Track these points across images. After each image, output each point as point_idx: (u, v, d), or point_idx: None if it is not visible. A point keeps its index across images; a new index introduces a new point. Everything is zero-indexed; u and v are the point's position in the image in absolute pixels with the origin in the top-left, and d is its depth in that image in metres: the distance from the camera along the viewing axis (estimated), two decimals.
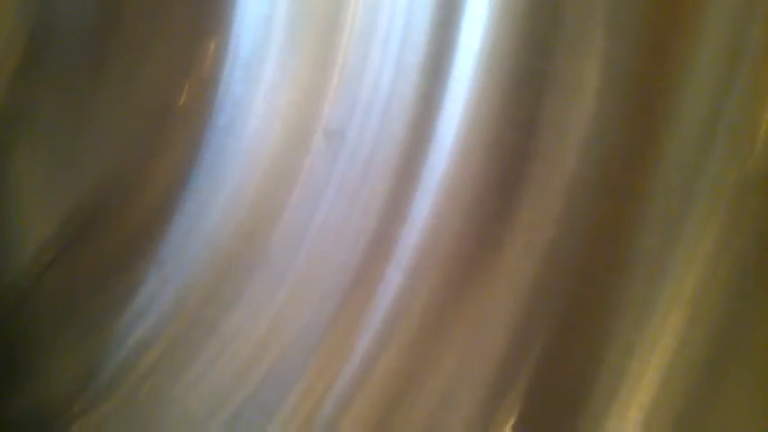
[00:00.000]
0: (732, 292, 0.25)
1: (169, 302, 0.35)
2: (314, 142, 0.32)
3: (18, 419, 0.35)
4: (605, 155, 0.26)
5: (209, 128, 0.34)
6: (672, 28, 0.24)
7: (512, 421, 0.28)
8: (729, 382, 0.25)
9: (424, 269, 0.29)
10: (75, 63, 0.35)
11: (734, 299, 0.25)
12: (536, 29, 0.25)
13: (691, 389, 0.25)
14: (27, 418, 0.35)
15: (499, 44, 0.25)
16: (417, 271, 0.29)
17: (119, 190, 0.36)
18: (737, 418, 0.26)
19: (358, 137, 0.31)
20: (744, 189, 0.24)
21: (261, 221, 0.33)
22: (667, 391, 0.25)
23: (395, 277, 0.30)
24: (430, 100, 0.28)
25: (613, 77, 0.24)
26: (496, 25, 0.25)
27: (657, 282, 0.26)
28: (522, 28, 0.25)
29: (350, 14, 0.32)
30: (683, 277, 0.25)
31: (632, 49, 0.24)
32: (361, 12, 0.32)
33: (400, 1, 0.29)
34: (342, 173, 0.32)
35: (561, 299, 0.27)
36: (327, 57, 0.32)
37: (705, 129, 0.24)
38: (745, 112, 0.24)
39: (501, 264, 0.28)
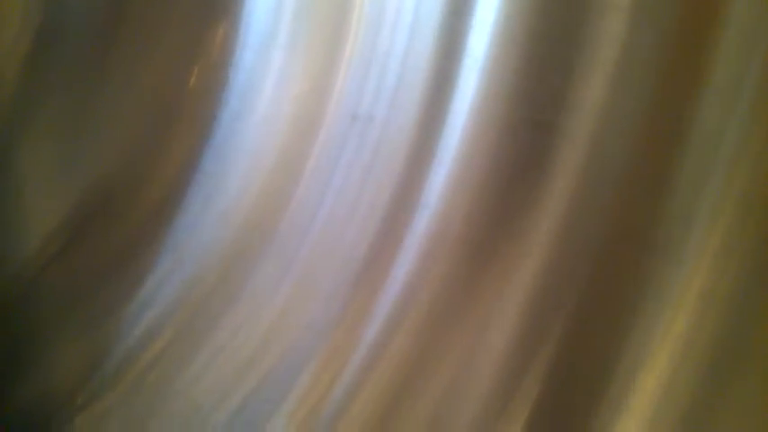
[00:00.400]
0: (739, 291, 0.25)
1: (175, 292, 0.35)
2: (322, 130, 0.32)
3: (22, 410, 0.35)
4: (621, 134, 0.25)
5: (218, 112, 0.33)
6: (697, 14, 0.23)
7: (524, 415, 0.27)
8: (734, 382, 0.25)
9: (433, 256, 0.29)
10: (84, 50, 0.35)
11: (740, 298, 0.25)
12: (551, 6, 0.24)
13: (697, 388, 0.25)
14: (31, 408, 0.35)
15: (513, 22, 0.25)
16: (427, 258, 0.29)
17: (127, 178, 0.36)
18: (742, 417, 0.25)
19: (366, 125, 0.31)
20: (750, 191, 0.24)
21: (269, 209, 0.33)
22: (674, 391, 0.25)
23: (404, 265, 0.29)
24: (440, 87, 0.28)
25: (633, 55, 0.24)
26: (511, 3, 0.25)
27: (670, 276, 0.25)
28: (537, 5, 0.25)
29: (358, 2, 0.32)
30: (693, 272, 0.25)
31: (654, 32, 0.24)
32: (368, 1, 0.31)
33: None
34: (349, 162, 0.31)
35: (575, 287, 0.27)
36: (337, 42, 0.31)
37: (719, 125, 0.24)
38: (756, 112, 0.24)
39: (512, 249, 0.27)
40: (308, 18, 0.32)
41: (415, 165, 0.29)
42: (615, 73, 0.25)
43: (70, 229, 0.37)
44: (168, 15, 0.35)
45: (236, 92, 0.34)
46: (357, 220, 0.31)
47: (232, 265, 0.34)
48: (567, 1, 0.25)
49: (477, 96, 0.27)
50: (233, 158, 0.33)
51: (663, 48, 0.24)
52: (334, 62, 0.32)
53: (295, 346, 0.32)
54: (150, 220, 0.36)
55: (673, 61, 0.24)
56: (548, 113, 0.26)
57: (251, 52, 0.33)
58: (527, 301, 0.27)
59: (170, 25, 0.35)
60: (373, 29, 0.31)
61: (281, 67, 0.32)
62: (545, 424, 0.27)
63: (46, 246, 0.37)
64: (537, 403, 0.27)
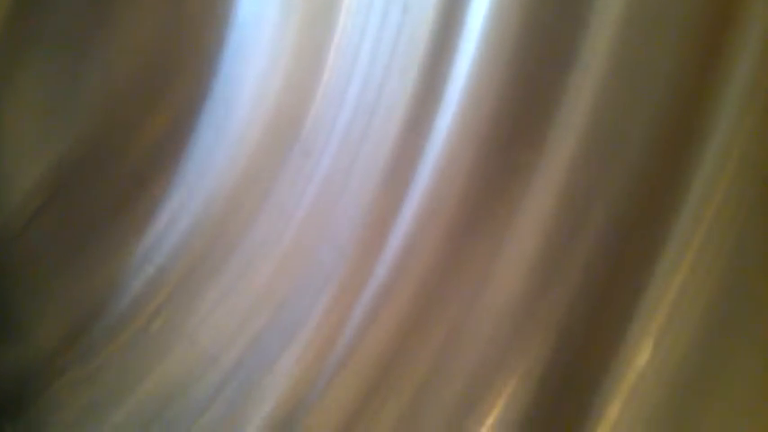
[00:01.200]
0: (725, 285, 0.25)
1: (182, 234, 0.34)
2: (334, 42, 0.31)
3: (10, 366, 0.33)
4: (623, 88, 0.25)
5: (228, 23, 0.32)
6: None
7: (524, 366, 0.27)
8: (726, 373, 0.25)
9: (440, 199, 0.28)
10: None
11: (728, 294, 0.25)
12: None
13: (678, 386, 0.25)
14: (19, 365, 0.33)
15: None
16: (434, 199, 0.28)
17: (128, 116, 0.35)
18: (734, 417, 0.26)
19: (374, 50, 0.30)
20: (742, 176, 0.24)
21: (281, 133, 0.32)
22: (657, 386, 0.25)
23: (410, 207, 0.29)
24: (443, 35, 0.27)
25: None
26: None
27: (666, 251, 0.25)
28: None
29: None
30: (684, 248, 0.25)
31: None
32: None
33: None
34: (362, 85, 0.30)
35: (584, 239, 0.27)
36: None
37: (709, 109, 0.24)
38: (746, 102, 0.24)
39: (520, 197, 0.27)
40: None
41: (422, 101, 0.29)
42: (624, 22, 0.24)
43: (66, 174, 0.35)
44: None
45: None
46: (370, 144, 0.30)
47: (239, 201, 0.33)
48: None
49: (480, 46, 0.26)
50: (247, 67, 0.32)
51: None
52: None
53: (304, 283, 0.31)
54: (154, 161, 0.35)
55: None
56: (553, 63, 0.25)
57: None
58: (534, 250, 0.27)
59: None
60: None
61: None
62: (550, 377, 0.27)
63: (39, 190, 0.35)
64: (540, 354, 0.27)
